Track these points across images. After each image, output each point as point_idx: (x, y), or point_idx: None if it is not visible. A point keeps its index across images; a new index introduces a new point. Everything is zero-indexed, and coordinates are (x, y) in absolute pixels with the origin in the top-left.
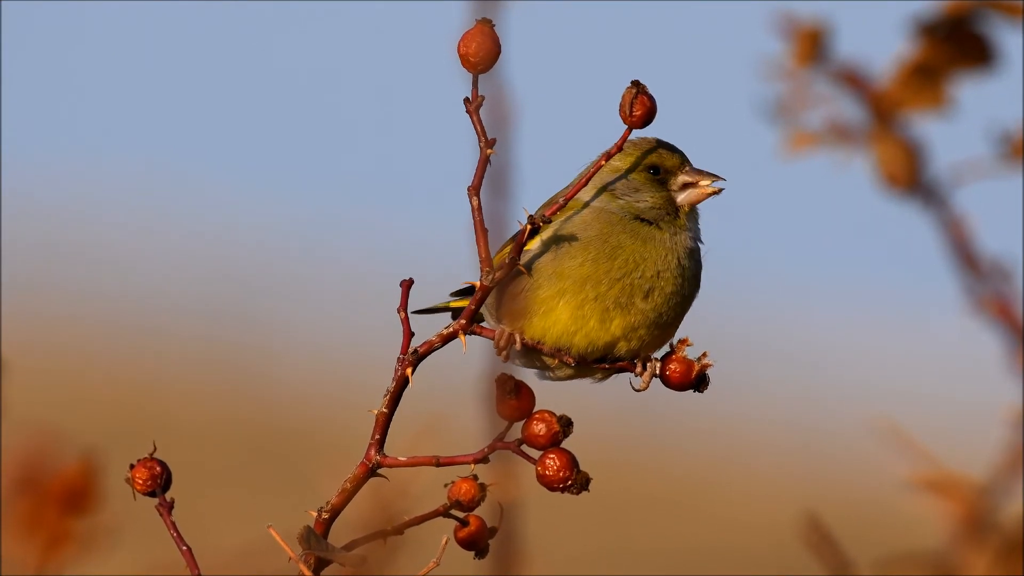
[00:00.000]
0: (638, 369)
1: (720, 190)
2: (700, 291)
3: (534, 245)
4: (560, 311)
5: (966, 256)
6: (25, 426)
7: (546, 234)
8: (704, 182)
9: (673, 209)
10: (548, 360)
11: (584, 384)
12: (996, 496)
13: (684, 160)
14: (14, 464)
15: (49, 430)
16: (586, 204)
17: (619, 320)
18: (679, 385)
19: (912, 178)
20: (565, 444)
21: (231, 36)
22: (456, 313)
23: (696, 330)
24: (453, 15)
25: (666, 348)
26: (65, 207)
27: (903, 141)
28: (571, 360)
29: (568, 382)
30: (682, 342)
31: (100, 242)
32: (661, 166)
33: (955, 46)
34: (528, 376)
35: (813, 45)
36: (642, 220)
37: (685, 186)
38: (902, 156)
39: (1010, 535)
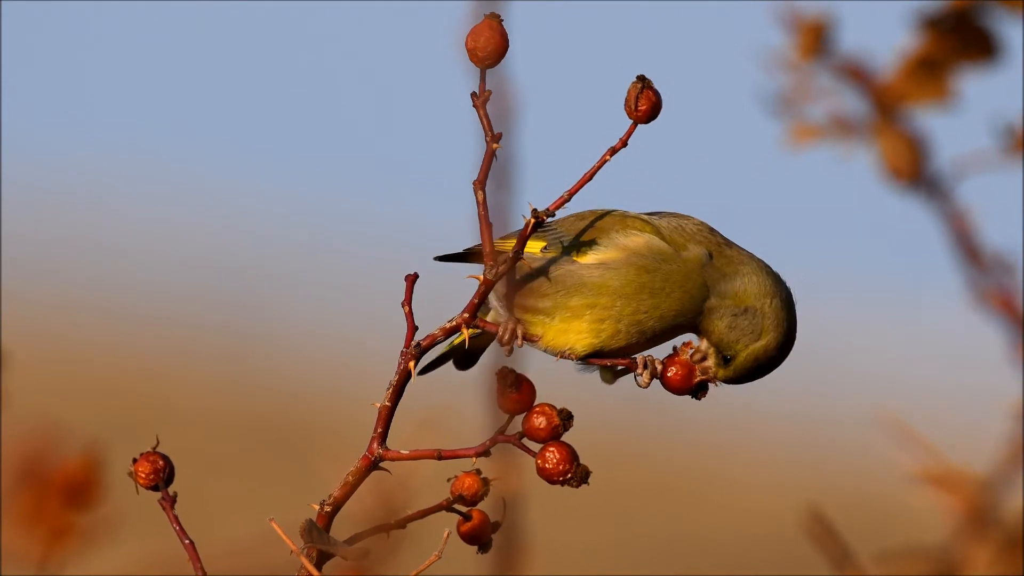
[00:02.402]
0: (639, 369)
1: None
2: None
3: (589, 258)
4: (583, 321)
5: (969, 249)
6: (26, 417)
7: (611, 252)
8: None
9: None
10: (552, 355)
11: (585, 374)
12: (999, 490)
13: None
14: (16, 456)
15: (51, 421)
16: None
17: (623, 342)
18: (677, 389)
19: (915, 171)
20: (566, 437)
21: (234, 26)
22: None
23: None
24: (456, 8)
25: (668, 349)
26: (67, 195)
27: (906, 134)
28: (575, 359)
29: (568, 373)
30: (687, 345)
31: (103, 231)
32: (732, 351)
33: (958, 39)
34: (529, 369)
35: (817, 38)
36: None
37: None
38: (905, 149)
39: (1013, 529)
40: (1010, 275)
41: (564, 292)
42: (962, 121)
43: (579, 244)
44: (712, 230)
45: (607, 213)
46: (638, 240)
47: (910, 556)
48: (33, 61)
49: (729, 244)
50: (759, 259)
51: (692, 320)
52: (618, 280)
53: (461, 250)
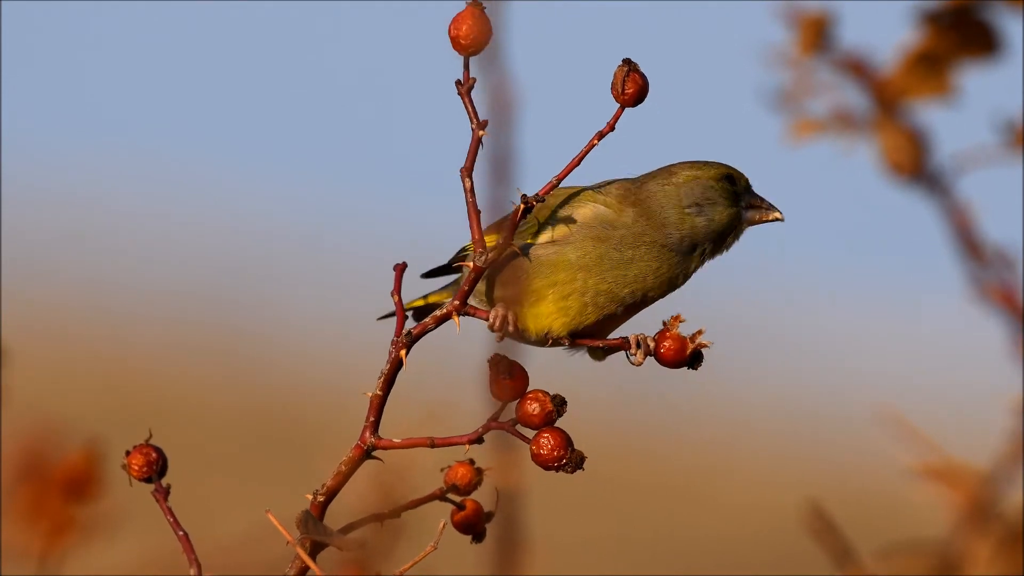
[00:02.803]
0: (632, 348)
1: (781, 219)
2: (699, 276)
3: (544, 237)
4: (548, 301)
5: (970, 244)
6: (27, 413)
7: (562, 228)
8: (772, 211)
9: (736, 225)
10: (539, 340)
11: (582, 369)
12: (999, 485)
13: (750, 184)
14: (16, 451)
15: (51, 417)
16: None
17: (594, 316)
18: (672, 362)
19: (916, 166)
20: (563, 425)
21: (231, 24)
22: (419, 313)
23: (697, 315)
24: (457, 7)
25: (659, 325)
26: (67, 194)
27: (907, 129)
28: (565, 341)
29: (564, 365)
30: (675, 319)
31: (101, 228)
32: (737, 180)
33: (959, 34)
34: (522, 349)
35: (817, 33)
36: (682, 244)
37: (751, 207)
38: (906, 144)
39: (1013, 524)
40: (1011, 270)
41: (526, 276)
42: (963, 116)
43: (537, 225)
44: (631, 180)
45: (569, 192)
46: (586, 211)
47: (911, 552)
48: (34, 61)
49: (640, 184)
50: (653, 179)
51: (677, 276)
52: (575, 252)
53: (447, 262)
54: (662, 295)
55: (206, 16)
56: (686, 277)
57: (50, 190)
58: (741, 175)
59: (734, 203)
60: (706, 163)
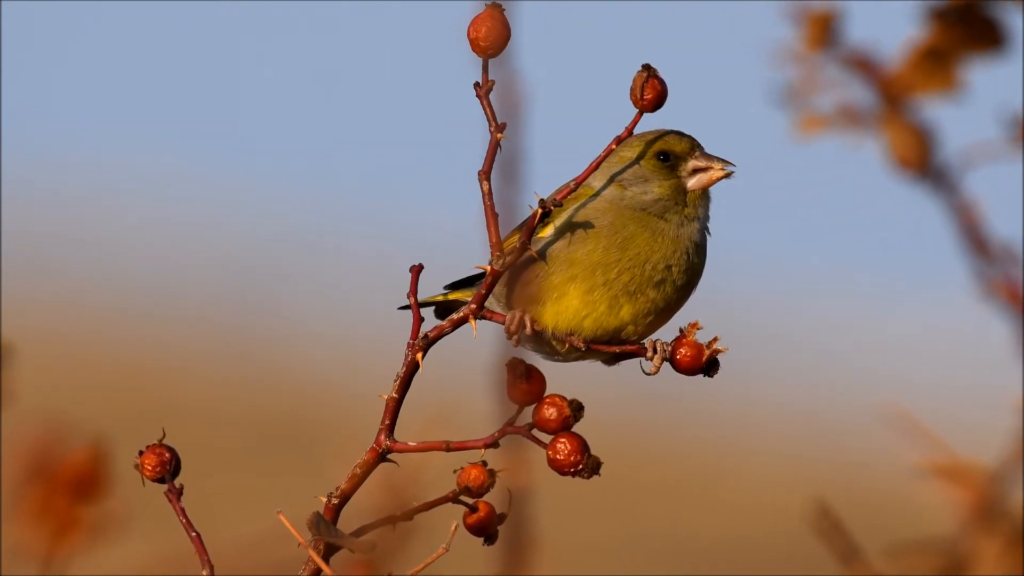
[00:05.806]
0: (648, 353)
1: (731, 174)
2: (705, 276)
3: (547, 233)
4: (571, 296)
5: (976, 240)
6: (33, 413)
7: (558, 222)
8: (715, 166)
9: (682, 196)
10: (557, 345)
11: (594, 369)
12: (1005, 483)
13: (694, 145)
14: (23, 451)
15: (57, 417)
16: (598, 193)
17: (628, 307)
18: (689, 370)
19: (922, 162)
20: (576, 428)
21: (239, 22)
22: (442, 309)
23: (705, 315)
24: (464, 6)
25: (676, 332)
26: (72, 192)
27: (913, 125)
28: (581, 344)
29: (578, 366)
30: (692, 326)
31: (109, 227)
32: (671, 152)
33: (965, 30)
34: (538, 360)
35: (824, 29)
36: (650, 213)
37: (695, 171)
38: (912, 140)
39: (1019, 523)
40: (1017, 266)
41: (544, 274)
42: (969, 112)
43: (548, 224)
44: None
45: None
46: (591, 204)
47: (918, 551)
48: (42, 57)
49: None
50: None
51: (681, 244)
52: (582, 249)
53: (442, 293)
54: (681, 270)
55: (220, 17)
56: (694, 244)
57: (58, 189)
58: (679, 142)
59: (670, 175)
60: (640, 138)
